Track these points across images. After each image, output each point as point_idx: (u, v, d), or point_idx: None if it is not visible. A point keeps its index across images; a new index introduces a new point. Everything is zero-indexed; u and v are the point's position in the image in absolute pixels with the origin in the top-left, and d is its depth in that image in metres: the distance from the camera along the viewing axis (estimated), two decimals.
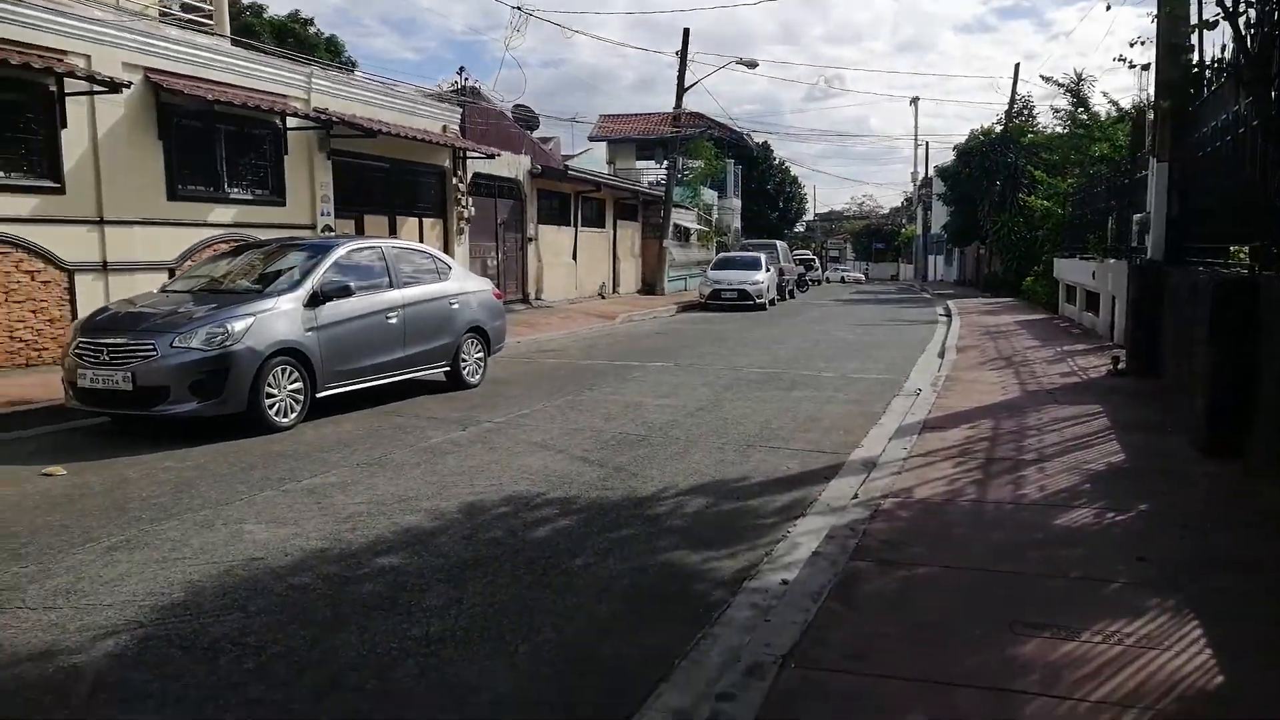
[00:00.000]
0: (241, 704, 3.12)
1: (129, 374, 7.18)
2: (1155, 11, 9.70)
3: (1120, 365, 10.63)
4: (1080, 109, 24.11)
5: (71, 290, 10.93)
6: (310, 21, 36.81)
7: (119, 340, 7.35)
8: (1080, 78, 24.25)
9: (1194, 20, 8.49)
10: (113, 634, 3.65)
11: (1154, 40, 9.84)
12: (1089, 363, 11.61)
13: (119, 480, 6.05)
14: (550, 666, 3.45)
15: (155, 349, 7.23)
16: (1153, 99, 10.99)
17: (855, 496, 5.57)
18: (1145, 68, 10.42)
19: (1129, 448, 6.71)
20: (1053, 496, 5.45)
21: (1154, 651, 3.38)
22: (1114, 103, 21.21)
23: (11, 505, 5.43)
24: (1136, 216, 11.55)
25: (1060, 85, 24.29)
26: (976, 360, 12.37)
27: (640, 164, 40.26)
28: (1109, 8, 9.04)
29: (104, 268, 11.28)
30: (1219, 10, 6.68)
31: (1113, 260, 13.61)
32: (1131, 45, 10.15)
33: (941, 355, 13.38)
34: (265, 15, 34.69)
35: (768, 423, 8.21)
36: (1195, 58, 9.31)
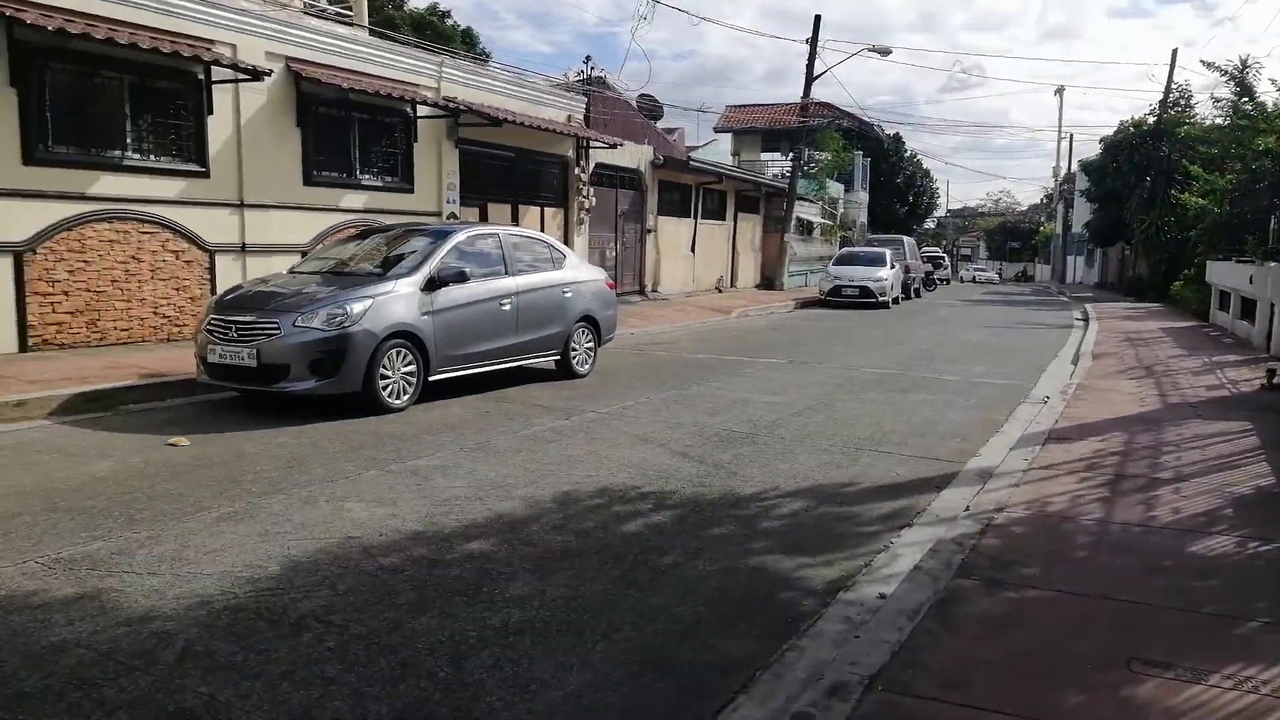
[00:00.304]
0: (317, 682, 3.16)
1: (254, 350, 7.50)
2: None
3: (1276, 379, 9.75)
4: (1244, 98, 22.31)
5: (212, 270, 11.55)
6: (448, 14, 37.90)
7: (247, 318, 7.69)
8: (1245, 64, 22.42)
9: None
10: (207, 603, 3.77)
11: None
12: (1240, 375, 10.70)
13: (236, 453, 6.32)
14: (626, 667, 3.36)
15: (279, 328, 7.53)
16: None
17: (967, 509, 5.25)
18: None
19: None
20: (1188, 520, 5.00)
21: None
22: None
23: (136, 473, 5.74)
24: None
25: (1223, 72, 22.51)
26: (1114, 368, 11.60)
27: (766, 156, 39.70)
28: None
29: (242, 249, 11.88)
30: None
31: (1273, 264, 12.51)
32: None
33: (1075, 362, 12.62)
34: (405, 8, 35.92)
35: (879, 426, 7.90)
36: None
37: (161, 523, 4.77)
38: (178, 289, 11.24)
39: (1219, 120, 24.16)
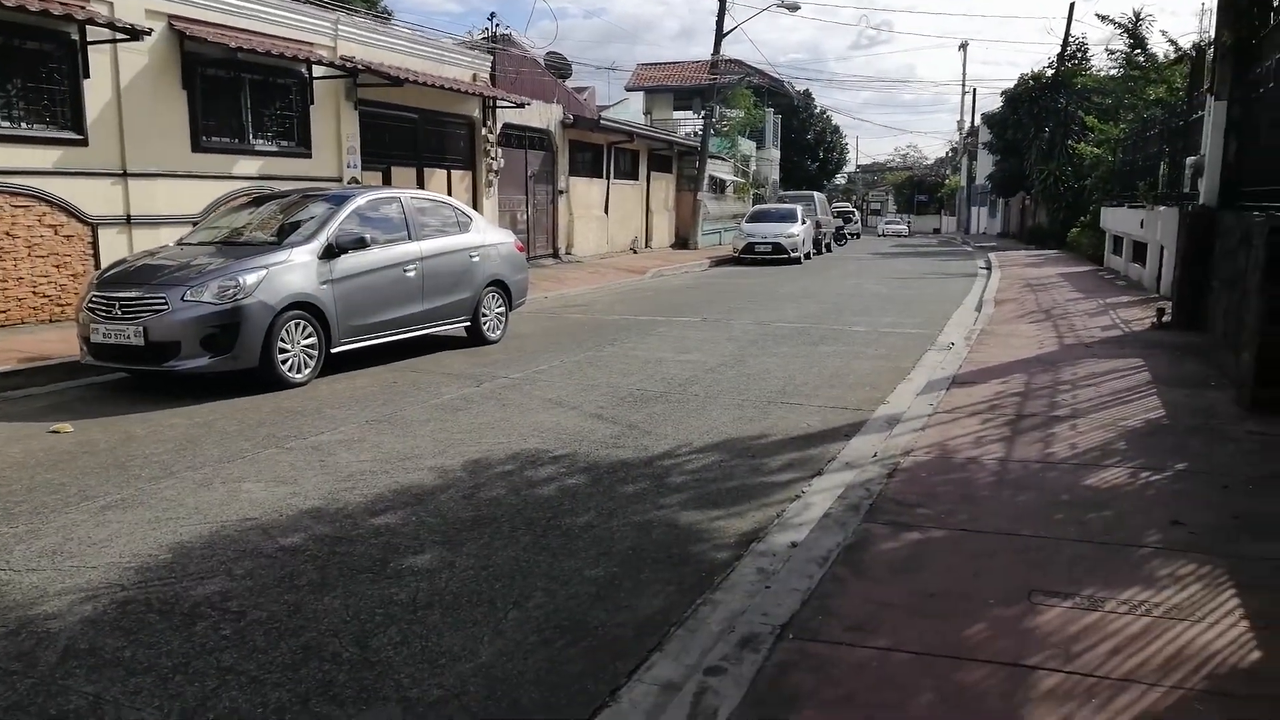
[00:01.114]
0: (212, 673, 3.01)
1: (141, 328, 7.11)
2: None
3: (1165, 318, 10.18)
4: (1137, 50, 23.08)
5: (95, 244, 10.91)
6: None
7: (131, 294, 7.28)
8: (1139, 17, 23.18)
9: None
10: (92, 598, 3.56)
11: None
12: (1132, 315, 11.15)
13: (125, 437, 6.00)
14: (539, 634, 3.30)
15: (167, 303, 7.15)
16: (1213, 36, 10.38)
17: (875, 455, 5.33)
18: None
19: (1169, 404, 6.37)
20: (1084, 455, 5.17)
21: (1184, 624, 3.14)
22: (1173, 42, 20.30)
23: (14, 463, 5.39)
24: (1190, 160, 10.97)
25: (1117, 25, 23.25)
26: (1014, 313, 11.95)
27: (678, 114, 39.55)
28: None
29: (128, 221, 11.24)
30: None
31: (1163, 208, 13.01)
32: None
33: (978, 308, 12.97)
34: None
35: (791, 379, 7.96)
36: None
37: (42, 515, 4.48)
38: (58, 266, 10.58)
39: (1113, 72, 25.00)
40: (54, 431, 6.10)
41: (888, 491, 4.59)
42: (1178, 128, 13.29)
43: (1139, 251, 15.58)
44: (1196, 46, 15.84)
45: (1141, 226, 14.86)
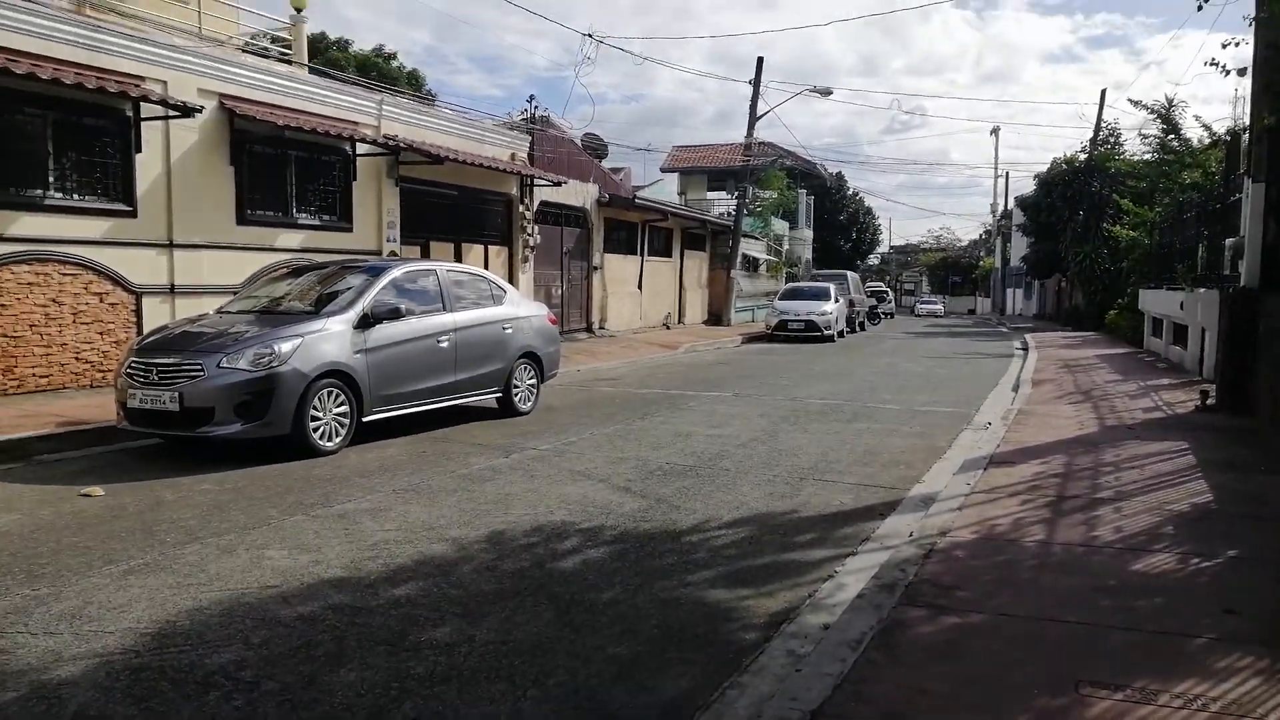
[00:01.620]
0: None
1: (176, 394, 7.18)
2: (1254, 13, 9.13)
3: (1209, 400, 9.93)
4: (1171, 135, 23.15)
5: (139, 312, 11.15)
6: (393, 56, 37.92)
7: (169, 360, 7.38)
8: (1171, 102, 23.30)
9: None
10: (107, 663, 3.49)
11: (1250, 43, 9.28)
12: (1175, 398, 10.89)
13: (154, 502, 6.00)
14: (558, 714, 3.18)
15: (203, 369, 7.23)
16: (1248, 119, 10.36)
17: (910, 534, 5.17)
18: (1241, 73, 9.81)
19: (1217, 488, 6.15)
20: (1130, 539, 4.97)
21: None
22: (1207, 127, 20.31)
23: (44, 525, 5.40)
24: (1229, 241, 10.86)
25: (1150, 110, 23.39)
26: (1053, 394, 11.73)
27: (712, 195, 40.18)
28: (1200, 8, 8.40)
29: (171, 291, 11.50)
30: None
31: (1203, 290, 12.83)
32: (1224, 46, 9.49)
33: (1015, 388, 12.76)
34: (350, 50, 35.83)
35: (823, 455, 7.83)
36: None
37: (65, 578, 4.46)
38: (101, 333, 10.81)
39: (1147, 156, 25.04)
40: (85, 495, 6.13)
41: (924, 573, 4.43)
42: (1215, 210, 13.20)
43: (1179, 334, 15.33)
44: (1232, 131, 15.83)
45: (1181, 309, 14.65)
